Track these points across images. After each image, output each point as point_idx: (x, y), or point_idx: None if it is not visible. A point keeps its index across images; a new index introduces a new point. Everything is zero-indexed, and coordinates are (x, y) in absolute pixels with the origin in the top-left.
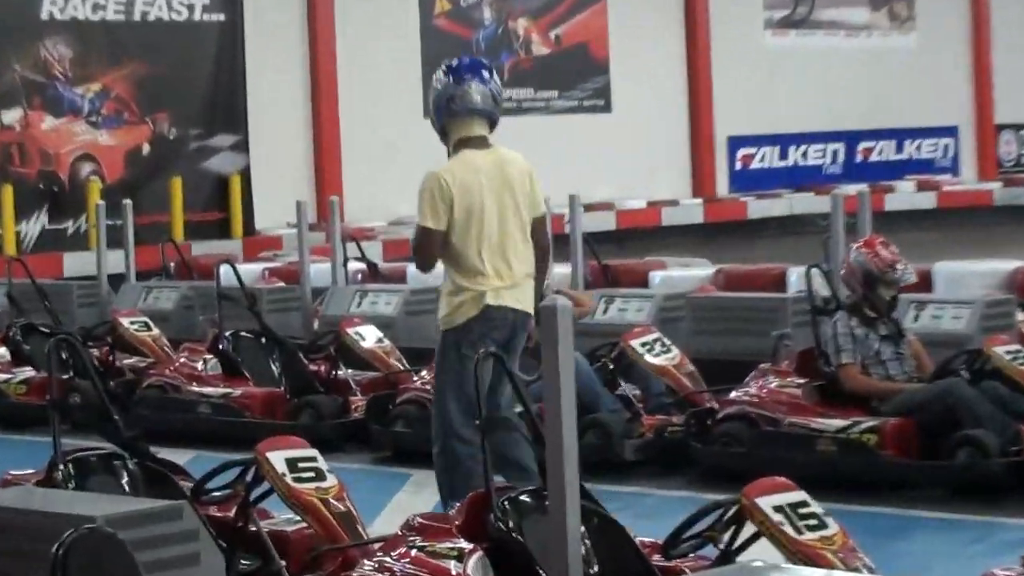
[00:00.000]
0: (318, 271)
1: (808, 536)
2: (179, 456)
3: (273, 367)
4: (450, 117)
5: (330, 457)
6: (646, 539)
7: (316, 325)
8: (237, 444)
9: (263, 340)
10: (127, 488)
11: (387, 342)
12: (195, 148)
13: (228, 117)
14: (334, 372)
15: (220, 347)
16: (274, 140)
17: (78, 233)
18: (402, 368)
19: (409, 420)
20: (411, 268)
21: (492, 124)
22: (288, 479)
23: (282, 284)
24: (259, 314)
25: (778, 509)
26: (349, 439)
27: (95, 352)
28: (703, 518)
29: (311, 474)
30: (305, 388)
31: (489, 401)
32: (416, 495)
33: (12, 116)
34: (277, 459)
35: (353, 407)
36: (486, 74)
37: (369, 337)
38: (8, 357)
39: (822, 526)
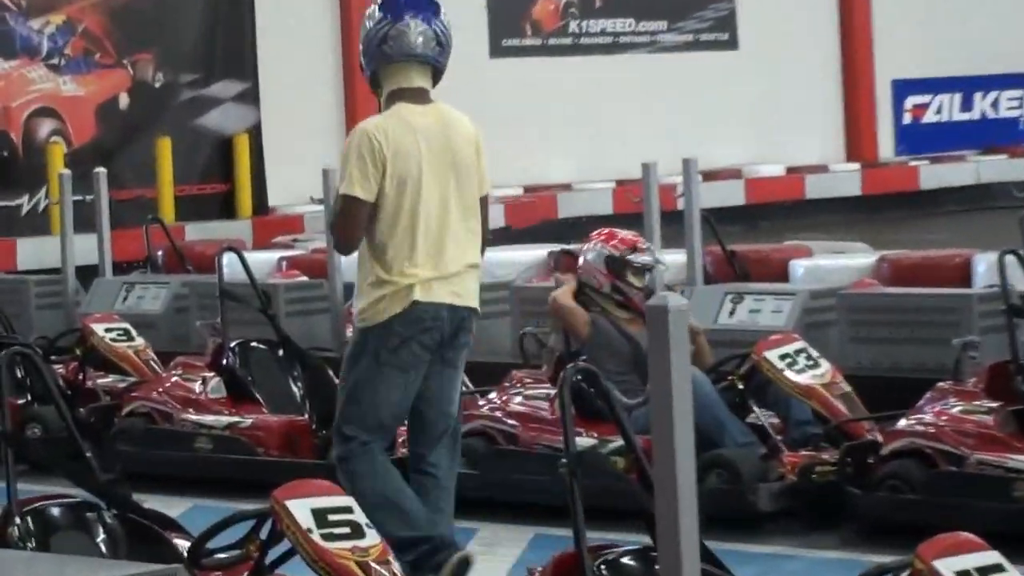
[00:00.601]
0: (352, 261)
1: None
2: (172, 506)
3: (294, 388)
4: (383, 62)
5: None
6: None
7: (349, 332)
8: (247, 490)
9: (280, 352)
10: (104, 548)
11: None
12: (188, 99)
13: (232, 58)
14: None
15: (224, 362)
16: (292, 88)
17: (36, 212)
18: (464, 388)
19: (474, 457)
20: None
21: (436, 74)
22: (315, 536)
23: (305, 278)
24: (275, 318)
25: (963, 575)
26: None
27: (60, 369)
28: None
29: (345, 529)
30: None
31: (432, 414)
32: (485, 556)
33: None
34: (300, 510)
35: (399, 441)
36: (430, 11)
37: None
38: None
39: None
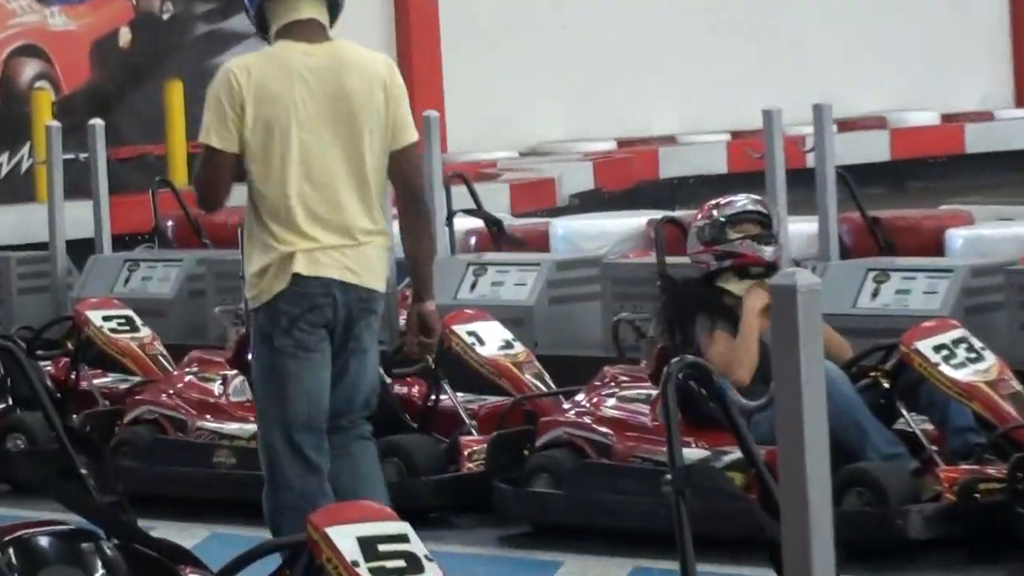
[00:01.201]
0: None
1: None
2: (186, 535)
3: None
4: None
5: (430, 535)
6: None
7: (404, 321)
8: None
9: None
10: None
11: (519, 347)
12: (204, 35)
13: None
14: (434, 397)
15: (249, 357)
16: None
17: (17, 174)
18: (543, 389)
19: (557, 474)
20: (557, 226)
21: (332, 7)
22: (363, 570)
23: None
24: None
25: None
26: (461, 506)
27: (48, 367)
28: None
29: (399, 563)
30: (387, 423)
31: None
32: None
33: None
34: (344, 538)
35: (465, 453)
36: None
37: (490, 339)
38: None
39: None
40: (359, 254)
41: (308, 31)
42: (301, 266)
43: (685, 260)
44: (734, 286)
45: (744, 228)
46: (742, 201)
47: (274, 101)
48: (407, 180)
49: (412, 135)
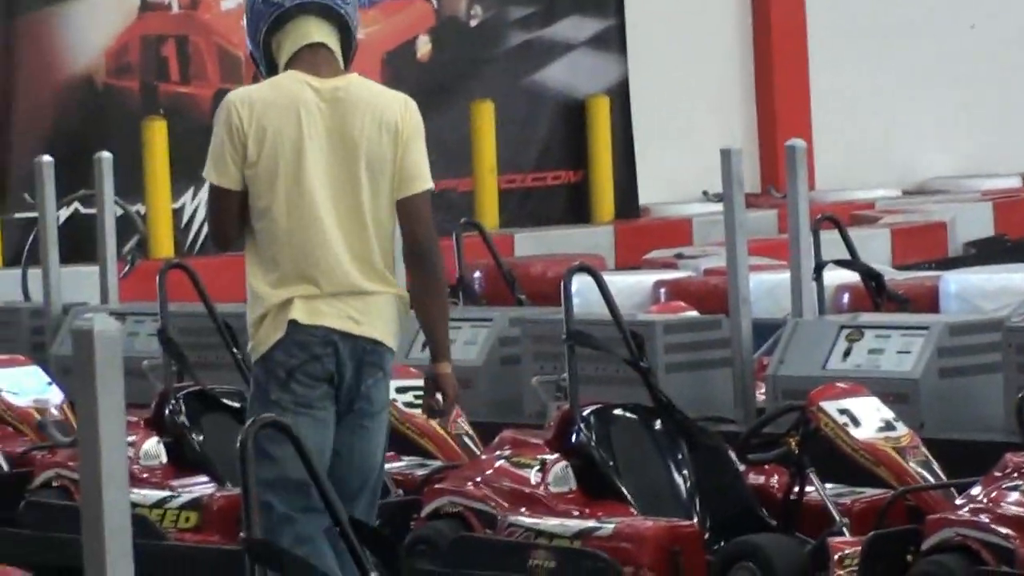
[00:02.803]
0: (763, 288)
1: None
2: None
3: (677, 477)
4: (272, 22)
5: None
6: None
7: (762, 395)
8: None
9: (657, 424)
10: None
11: (902, 429)
12: (519, 45)
13: None
14: (797, 488)
15: (574, 438)
16: (677, 29)
17: None
18: (931, 480)
19: None
20: (949, 281)
21: (345, 34)
22: None
23: (694, 313)
24: (649, 373)
25: None
26: None
27: None
28: None
29: None
30: (741, 519)
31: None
32: None
33: None
34: None
35: (836, 557)
36: None
37: (867, 419)
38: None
39: None
40: (364, 304)
41: (318, 62)
42: (299, 313)
43: None
44: None
45: None
46: None
47: (276, 136)
48: (413, 232)
49: (422, 183)
